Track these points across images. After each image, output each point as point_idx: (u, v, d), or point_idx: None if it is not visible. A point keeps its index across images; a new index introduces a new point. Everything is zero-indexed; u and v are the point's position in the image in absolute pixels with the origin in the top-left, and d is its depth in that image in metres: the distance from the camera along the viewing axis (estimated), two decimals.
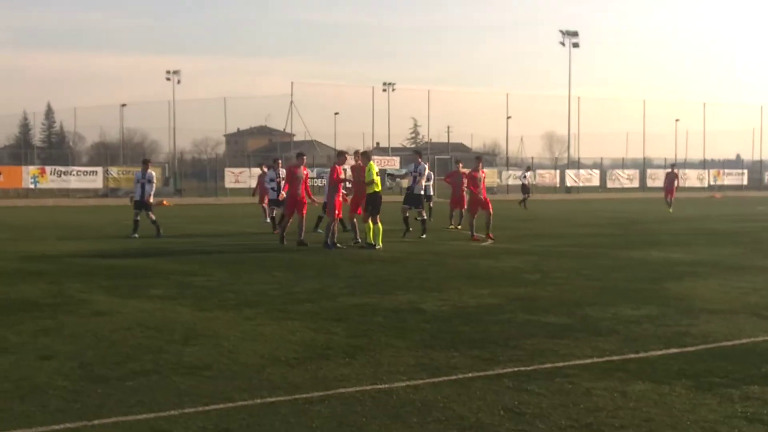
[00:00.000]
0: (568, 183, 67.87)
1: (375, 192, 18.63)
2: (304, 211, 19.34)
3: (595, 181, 69.47)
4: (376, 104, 74.44)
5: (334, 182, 18.66)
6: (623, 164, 74.74)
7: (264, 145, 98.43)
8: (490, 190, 35.38)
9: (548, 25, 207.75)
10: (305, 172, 19.76)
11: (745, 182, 75.89)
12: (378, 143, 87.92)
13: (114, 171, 54.29)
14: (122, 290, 11.80)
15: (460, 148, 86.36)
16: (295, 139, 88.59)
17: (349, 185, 18.91)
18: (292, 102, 63.12)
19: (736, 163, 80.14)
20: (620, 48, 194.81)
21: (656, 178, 72.02)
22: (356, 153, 20.04)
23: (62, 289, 11.91)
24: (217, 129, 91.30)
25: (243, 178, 42.27)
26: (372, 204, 18.54)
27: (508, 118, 79.44)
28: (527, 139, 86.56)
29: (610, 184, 69.54)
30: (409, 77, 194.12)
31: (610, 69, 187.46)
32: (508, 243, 19.47)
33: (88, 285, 12.38)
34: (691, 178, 71.54)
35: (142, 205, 21.85)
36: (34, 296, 11.18)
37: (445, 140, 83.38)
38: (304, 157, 20.13)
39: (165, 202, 45.55)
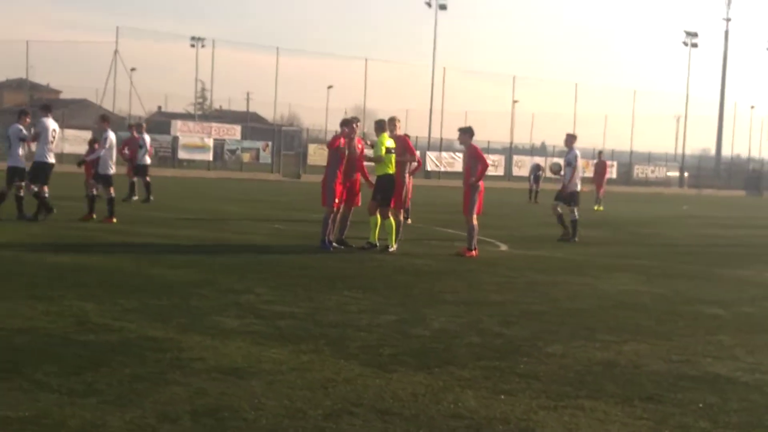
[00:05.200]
0: (429, 167, 66.34)
1: (386, 174, 15.85)
2: (358, 202, 16.38)
3: (458, 166, 67.24)
4: (186, 64, 70.59)
5: (335, 157, 15.54)
6: (488, 148, 74.39)
7: (23, 101, 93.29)
8: None
9: None
10: (360, 146, 16.16)
11: (614, 175, 77.43)
12: (159, 107, 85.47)
13: None
14: (176, 318, 8.64)
15: (254, 117, 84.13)
16: (62, 96, 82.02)
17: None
18: (116, 51, 58.03)
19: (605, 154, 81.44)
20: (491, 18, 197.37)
21: (522, 166, 72.50)
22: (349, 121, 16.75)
23: (80, 316, 8.57)
24: None
25: None
26: (382, 190, 15.75)
27: (329, 87, 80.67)
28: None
29: None
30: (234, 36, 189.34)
31: (479, 40, 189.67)
32: (526, 248, 17.21)
33: (104, 306, 9.11)
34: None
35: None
36: (54, 328, 7.90)
37: (242, 108, 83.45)
38: (355, 124, 16.14)
39: None
